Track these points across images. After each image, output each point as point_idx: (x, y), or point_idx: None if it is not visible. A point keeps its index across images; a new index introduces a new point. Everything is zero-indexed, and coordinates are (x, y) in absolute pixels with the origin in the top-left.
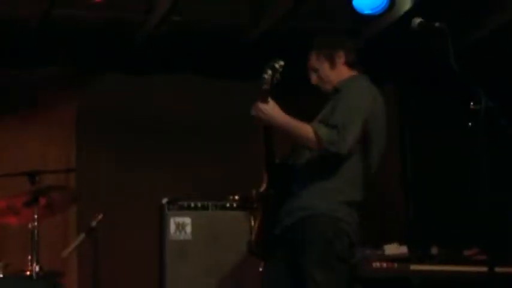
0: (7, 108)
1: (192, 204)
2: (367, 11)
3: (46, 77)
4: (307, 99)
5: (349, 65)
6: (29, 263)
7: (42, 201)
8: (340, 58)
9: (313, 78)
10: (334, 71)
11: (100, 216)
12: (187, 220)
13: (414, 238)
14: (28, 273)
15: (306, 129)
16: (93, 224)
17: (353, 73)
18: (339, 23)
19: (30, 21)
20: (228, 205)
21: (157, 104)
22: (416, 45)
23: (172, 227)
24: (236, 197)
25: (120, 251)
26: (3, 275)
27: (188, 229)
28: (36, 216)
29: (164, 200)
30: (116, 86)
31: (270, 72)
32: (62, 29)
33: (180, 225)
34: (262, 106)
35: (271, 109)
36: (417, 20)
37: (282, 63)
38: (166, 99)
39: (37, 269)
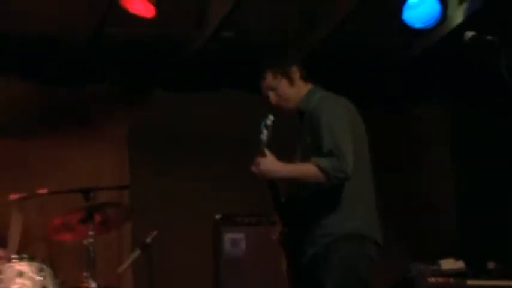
0: (59, 127)
1: (246, 220)
2: (418, 25)
3: (96, 95)
4: None
5: (304, 79)
6: (85, 280)
7: (97, 217)
8: (296, 73)
9: (273, 98)
10: (293, 88)
11: (155, 233)
12: (241, 236)
13: (470, 253)
14: None
15: (309, 169)
16: (148, 240)
17: (308, 86)
18: (388, 37)
19: (79, 40)
20: None
21: (207, 120)
22: (468, 58)
23: (226, 243)
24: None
25: (175, 266)
26: None
27: (242, 245)
28: (91, 233)
29: (218, 216)
30: (166, 103)
31: (265, 132)
32: (111, 46)
33: (235, 241)
34: (261, 161)
35: (270, 163)
36: (469, 34)
37: (272, 118)
38: (216, 116)
39: (93, 285)
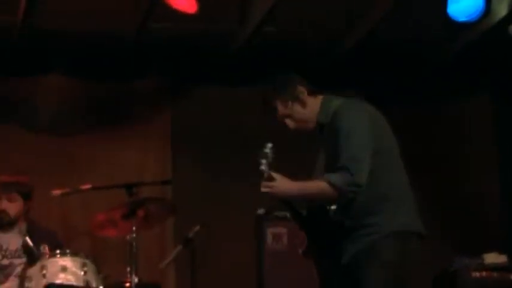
0: (104, 121)
1: (288, 215)
2: (462, 19)
3: (141, 90)
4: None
5: (312, 93)
6: (128, 275)
7: (140, 213)
8: (303, 93)
9: (291, 124)
10: (307, 109)
11: (197, 228)
12: (283, 230)
13: None
14: (127, 284)
15: (320, 187)
16: (190, 235)
17: (319, 99)
18: (433, 31)
19: (125, 35)
20: None
21: (250, 115)
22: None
23: (269, 238)
24: (332, 207)
25: (217, 261)
26: (103, 287)
27: (285, 239)
28: (134, 228)
29: (260, 211)
30: (209, 98)
31: (264, 161)
32: (156, 41)
33: (277, 236)
34: (270, 184)
35: (280, 185)
36: None
37: (270, 145)
38: (260, 111)
39: (136, 280)
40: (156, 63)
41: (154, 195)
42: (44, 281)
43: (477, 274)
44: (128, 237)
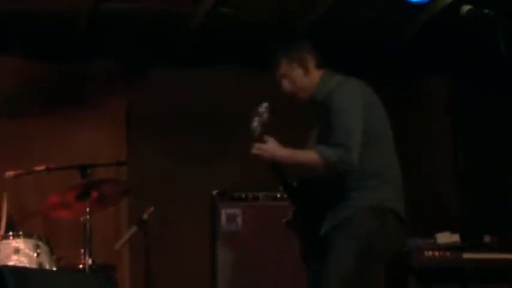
0: (57, 104)
1: (243, 196)
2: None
3: (95, 72)
4: None
5: (317, 66)
6: (82, 256)
7: (94, 194)
8: (311, 63)
9: (286, 86)
10: (308, 77)
11: (151, 209)
12: (238, 211)
13: (466, 227)
14: (81, 266)
15: (311, 157)
16: (145, 216)
17: (320, 73)
18: (387, 13)
19: (78, 17)
20: (278, 196)
21: (206, 97)
22: (465, 33)
23: (223, 219)
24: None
25: (172, 242)
26: (57, 268)
27: (239, 220)
28: (88, 210)
29: (215, 192)
30: (164, 79)
31: (256, 119)
32: (109, 23)
33: (231, 217)
34: (261, 146)
35: (271, 148)
36: (466, 7)
37: (265, 104)
38: (215, 92)
39: (90, 262)
40: (110, 44)
41: (108, 177)
42: None
43: (430, 253)
44: (81, 218)
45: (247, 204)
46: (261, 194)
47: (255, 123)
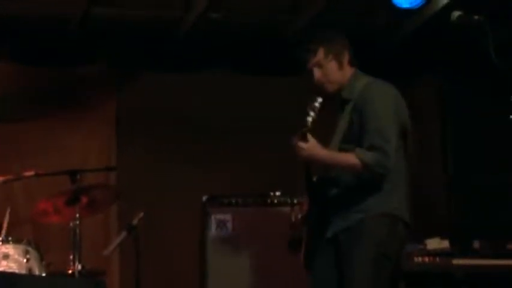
0: (47, 108)
1: (233, 201)
2: (405, 5)
3: (85, 77)
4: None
5: (350, 64)
6: (71, 262)
7: (84, 199)
8: (346, 58)
9: (318, 75)
10: (341, 72)
11: (141, 214)
12: (228, 217)
13: (456, 232)
14: (70, 271)
15: (351, 161)
16: (134, 222)
17: (352, 71)
18: (378, 17)
19: (69, 21)
20: (269, 201)
21: (196, 102)
22: (455, 38)
23: (213, 224)
24: (277, 193)
25: (162, 248)
26: (46, 274)
27: (229, 226)
28: (77, 215)
29: (205, 198)
30: (155, 84)
31: (312, 113)
32: (100, 28)
33: (221, 222)
34: (303, 145)
35: (312, 147)
36: (456, 13)
37: (320, 99)
38: (205, 97)
39: (79, 267)
40: (101, 48)
41: (98, 182)
42: None
43: (419, 259)
44: (71, 224)
45: (237, 209)
46: (251, 199)
47: (310, 118)
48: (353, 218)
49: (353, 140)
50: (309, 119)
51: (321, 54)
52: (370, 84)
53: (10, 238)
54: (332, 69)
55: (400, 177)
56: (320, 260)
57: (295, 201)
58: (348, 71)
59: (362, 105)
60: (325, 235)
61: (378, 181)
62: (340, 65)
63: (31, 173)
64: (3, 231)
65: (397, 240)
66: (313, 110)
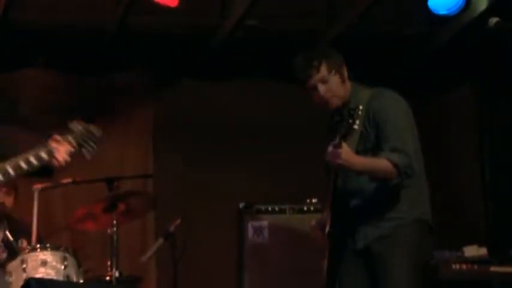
0: (85, 116)
1: (270, 208)
2: (442, 12)
3: (123, 85)
4: None
5: (349, 78)
6: (109, 268)
7: (121, 206)
8: (346, 72)
9: (323, 91)
10: (344, 86)
11: (178, 221)
12: (264, 224)
13: (494, 240)
14: (108, 278)
15: (383, 165)
16: (171, 228)
17: (349, 83)
18: (415, 25)
19: (106, 30)
20: (305, 208)
21: (233, 109)
22: (493, 45)
23: (250, 231)
24: (313, 200)
25: (199, 255)
26: (84, 281)
27: (266, 233)
28: (115, 222)
29: (242, 204)
30: (192, 92)
31: (358, 122)
32: (138, 36)
33: (258, 229)
34: (337, 152)
35: (345, 154)
36: (494, 20)
37: (361, 107)
38: (243, 104)
39: (116, 274)
40: (137, 57)
41: (135, 189)
42: (24, 276)
43: (457, 266)
44: (108, 230)
45: (274, 216)
46: (287, 206)
47: (355, 126)
48: (387, 226)
49: (369, 147)
50: (355, 127)
51: (324, 69)
52: (379, 92)
53: (48, 245)
54: (336, 83)
55: (422, 180)
56: (348, 275)
57: None
58: (348, 84)
59: (376, 112)
60: (354, 247)
61: (405, 185)
62: (343, 79)
63: (69, 180)
64: (34, 236)
65: (430, 245)
66: (357, 118)
